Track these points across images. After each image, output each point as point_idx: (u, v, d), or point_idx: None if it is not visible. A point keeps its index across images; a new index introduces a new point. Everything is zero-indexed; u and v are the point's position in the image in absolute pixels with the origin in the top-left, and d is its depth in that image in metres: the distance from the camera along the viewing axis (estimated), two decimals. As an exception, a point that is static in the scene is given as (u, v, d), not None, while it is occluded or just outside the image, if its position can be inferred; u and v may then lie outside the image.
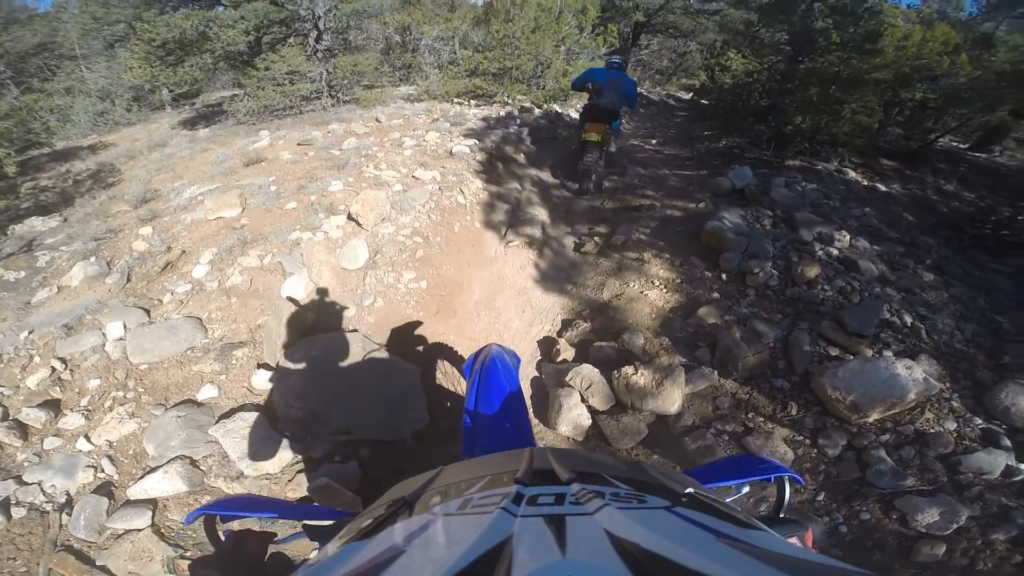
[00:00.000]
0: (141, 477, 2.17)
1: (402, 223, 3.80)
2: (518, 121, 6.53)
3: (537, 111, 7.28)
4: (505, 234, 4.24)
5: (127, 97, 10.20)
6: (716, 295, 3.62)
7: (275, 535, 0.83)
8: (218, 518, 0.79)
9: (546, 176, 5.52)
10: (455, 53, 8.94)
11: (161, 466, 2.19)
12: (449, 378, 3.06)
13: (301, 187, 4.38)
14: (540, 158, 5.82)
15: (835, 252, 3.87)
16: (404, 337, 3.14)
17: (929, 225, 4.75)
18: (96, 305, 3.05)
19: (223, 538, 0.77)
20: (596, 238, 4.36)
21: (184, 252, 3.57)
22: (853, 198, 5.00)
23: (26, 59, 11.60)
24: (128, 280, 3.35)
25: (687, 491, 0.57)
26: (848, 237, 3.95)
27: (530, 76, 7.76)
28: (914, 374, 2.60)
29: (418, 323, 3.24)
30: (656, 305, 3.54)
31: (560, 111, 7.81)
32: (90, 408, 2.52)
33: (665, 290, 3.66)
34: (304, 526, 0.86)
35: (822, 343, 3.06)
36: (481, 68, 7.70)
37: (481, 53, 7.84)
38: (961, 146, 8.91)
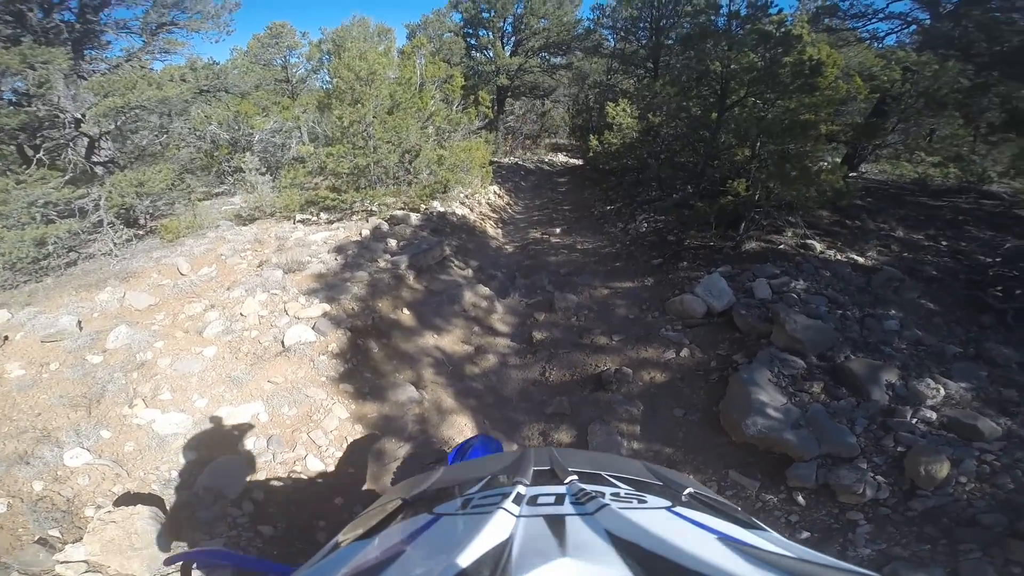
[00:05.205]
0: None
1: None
2: (390, 243, 4.61)
3: (414, 217, 5.44)
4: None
5: None
6: (804, 534, 2.26)
7: None
8: (194, 564, 0.79)
9: (452, 339, 3.61)
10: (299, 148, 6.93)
11: None
12: None
13: (21, 456, 2.34)
14: (437, 304, 3.91)
15: (933, 416, 2.46)
16: None
17: (953, 310, 3.70)
18: None
19: None
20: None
21: None
22: (855, 291, 3.83)
23: None
24: None
25: (687, 491, 0.56)
26: (941, 389, 2.57)
27: (395, 171, 5.98)
28: None
29: None
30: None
31: (444, 210, 6.06)
32: None
33: None
34: None
35: (1016, 570, 2.04)
36: (329, 168, 5.75)
37: (326, 148, 5.91)
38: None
